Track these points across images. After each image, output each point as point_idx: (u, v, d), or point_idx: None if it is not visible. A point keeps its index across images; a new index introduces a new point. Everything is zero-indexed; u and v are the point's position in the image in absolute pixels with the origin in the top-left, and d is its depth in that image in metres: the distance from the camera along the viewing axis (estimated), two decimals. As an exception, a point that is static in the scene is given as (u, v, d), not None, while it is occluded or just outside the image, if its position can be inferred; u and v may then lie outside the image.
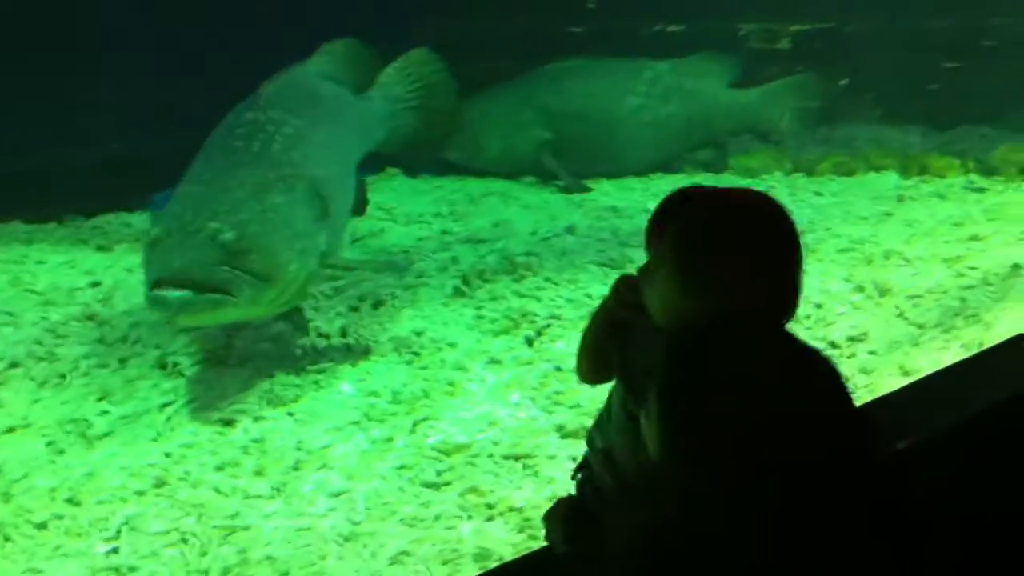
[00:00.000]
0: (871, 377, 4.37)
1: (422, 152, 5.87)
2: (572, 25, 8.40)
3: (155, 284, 3.91)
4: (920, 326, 4.88)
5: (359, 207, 5.40)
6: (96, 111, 6.92)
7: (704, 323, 1.82)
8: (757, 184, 7.17)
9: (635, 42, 8.24)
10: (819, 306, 4.95)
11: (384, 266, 5.38)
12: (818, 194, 6.96)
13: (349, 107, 5.21)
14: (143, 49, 6.98)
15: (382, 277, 5.31)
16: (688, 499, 1.60)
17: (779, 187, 7.10)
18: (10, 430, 4.03)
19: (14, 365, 4.64)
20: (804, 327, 4.81)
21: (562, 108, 7.61)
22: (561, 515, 2.21)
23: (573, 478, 2.28)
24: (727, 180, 7.39)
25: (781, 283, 1.88)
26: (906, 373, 4.40)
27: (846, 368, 4.45)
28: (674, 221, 1.92)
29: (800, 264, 1.90)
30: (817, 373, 1.78)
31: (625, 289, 2.07)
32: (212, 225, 4.00)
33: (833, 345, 4.62)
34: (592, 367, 2.23)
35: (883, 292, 5.20)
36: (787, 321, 1.90)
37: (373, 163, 7.75)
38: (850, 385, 4.37)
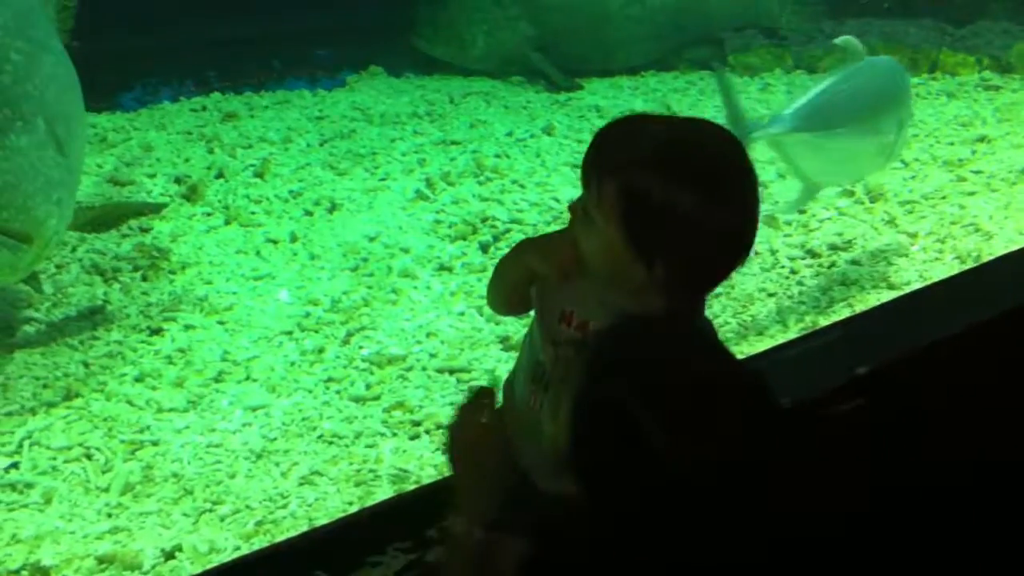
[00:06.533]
0: (851, 290, 4.05)
1: None
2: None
3: None
4: (912, 235, 4.53)
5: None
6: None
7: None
8: (754, 83, 6.75)
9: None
10: (801, 211, 4.59)
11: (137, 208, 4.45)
12: (816, 92, 6.49)
13: (42, 8, 4.15)
14: None
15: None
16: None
17: (776, 85, 6.67)
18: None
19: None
20: (783, 234, 4.48)
21: (548, 1, 7.14)
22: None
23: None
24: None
25: (740, 248, 1.65)
26: (891, 287, 4.09)
27: (823, 279, 4.15)
28: (619, 164, 1.63)
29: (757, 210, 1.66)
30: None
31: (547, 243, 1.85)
32: None
33: (812, 253, 4.29)
34: (504, 301, 1.97)
35: (874, 198, 4.84)
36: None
37: (355, 61, 7.36)
38: (826, 298, 3.96)
